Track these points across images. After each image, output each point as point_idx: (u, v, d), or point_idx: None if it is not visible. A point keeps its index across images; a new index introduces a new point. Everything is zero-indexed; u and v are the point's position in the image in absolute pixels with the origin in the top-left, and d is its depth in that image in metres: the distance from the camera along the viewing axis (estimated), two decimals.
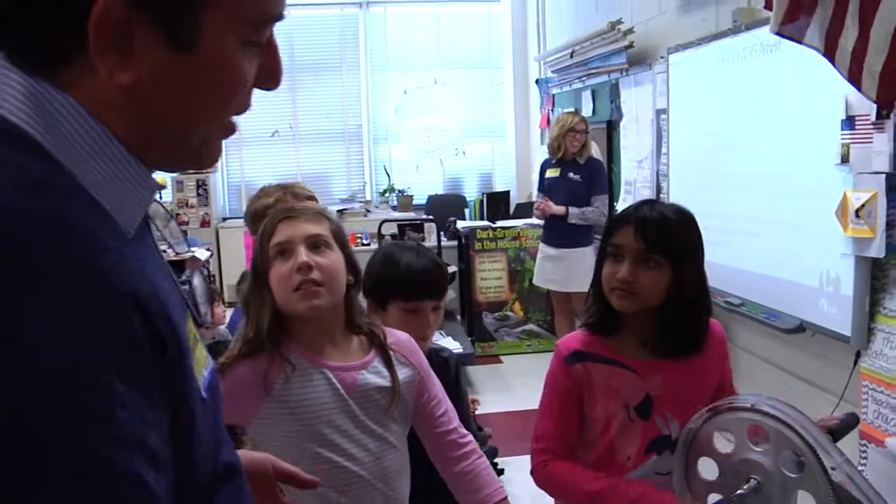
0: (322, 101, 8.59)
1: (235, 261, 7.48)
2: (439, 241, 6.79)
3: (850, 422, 1.73)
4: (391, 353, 1.69)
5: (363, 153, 8.76)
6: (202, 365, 0.73)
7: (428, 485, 1.77)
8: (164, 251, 4.56)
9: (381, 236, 6.57)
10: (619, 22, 5.42)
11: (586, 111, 6.19)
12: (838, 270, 3.19)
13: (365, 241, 7.50)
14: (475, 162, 8.86)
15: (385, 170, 8.64)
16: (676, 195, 4.62)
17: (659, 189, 5.06)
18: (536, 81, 7.95)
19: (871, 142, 2.93)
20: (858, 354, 3.09)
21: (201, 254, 5.13)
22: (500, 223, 6.88)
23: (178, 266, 4.58)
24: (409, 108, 8.58)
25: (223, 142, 0.74)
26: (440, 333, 4.88)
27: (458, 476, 1.73)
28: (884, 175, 2.86)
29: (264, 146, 8.50)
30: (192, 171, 7.15)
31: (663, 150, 4.92)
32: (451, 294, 5.93)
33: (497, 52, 8.73)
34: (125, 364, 0.56)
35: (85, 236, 0.59)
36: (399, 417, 1.69)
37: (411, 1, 8.50)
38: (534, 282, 5.94)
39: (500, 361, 6.48)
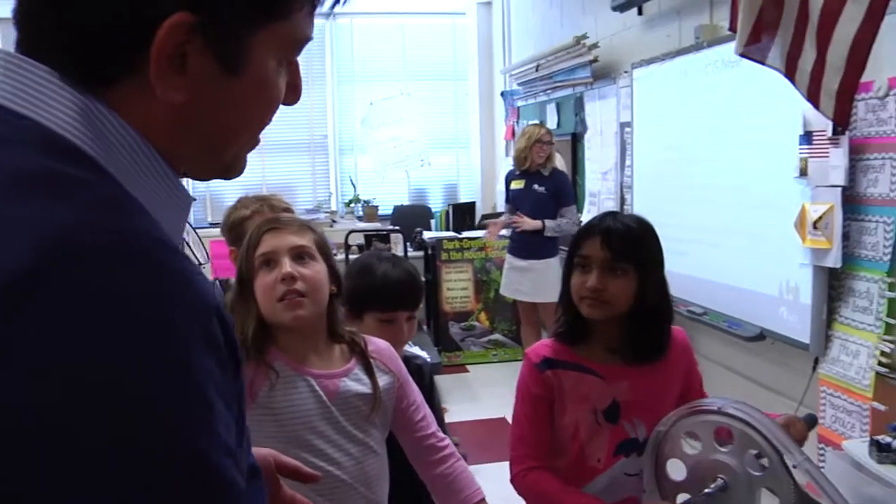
0: (288, 112, 8.17)
1: (202, 270, 7.43)
2: (406, 251, 6.83)
3: (811, 421, 1.83)
4: (371, 360, 1.74)
5: (329, 164, 8.76)
6: None
7: (403, 487, 1.82)
8: None
9: (348, 246, 6.60)
10: (585, 37, 5.52)
11: (551, 123, 6.27)
12: (797, 280, 3.29)
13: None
14: (440, 173, 8.90)
15: (351, 180, 8.66)
16: (640, 206, 4.71)
17: (623, 200, 5.14)
18: (502, 94, 8.04)
19: (827, 156, 3.04)
20: (817, 361, 3.20)
21: None
22: (465, 234, 6.95)
23: None
24: (375, 119, 8.60)
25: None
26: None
27: (438, 479, 1.78)
28: (840, 188, 2.97)
29: None
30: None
31: (627, 162, 5.01)
32: None
33: (462, 65, 8.81)
34: (215, 375, 0.58)
35: (174, 250, 0.61)
36: (379, 423, 1.73)
37: (378, 12, 8.54)
38: (501, 292, 5.99)
39: (467, 371, 6.53)
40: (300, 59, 0.75)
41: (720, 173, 3.90)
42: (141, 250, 0.58)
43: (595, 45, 5.40)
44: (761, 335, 3.58)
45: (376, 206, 8.51)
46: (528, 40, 7.19)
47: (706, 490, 1.55)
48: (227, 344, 0.62)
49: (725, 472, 1.56)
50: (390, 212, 8.57)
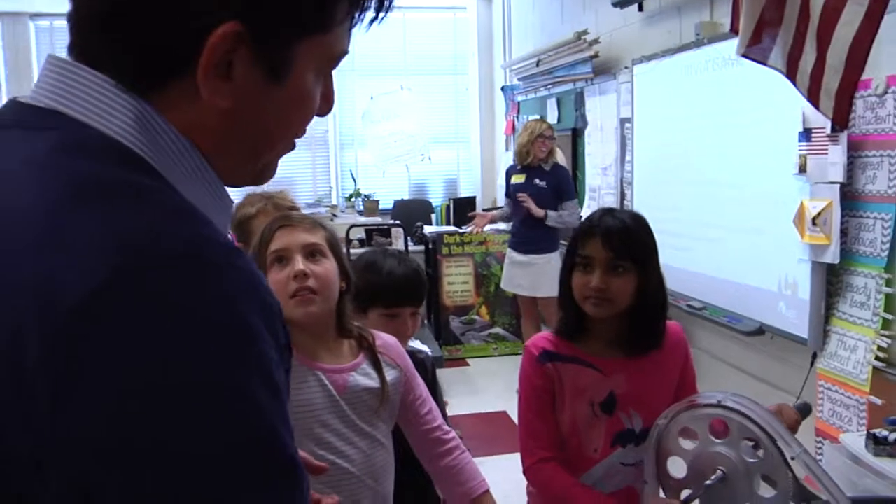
0: None
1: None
2: (406, 245, 6.86)
3: (805, 409, 1.87)
4: (379, 355, 1.77)
5: (329, 158, 8.78)
6: None
7: (406, 478, 1.85)
8: None
9: (349, 241, 6.62)
10: (585, 32, 5.54)
11: (552, 118, 6.27)
12: (796, 275, 3.32)
13: None
14: (441, 167, 8.92)
15: (351, 175, 8.68)
16: (640, 202, 4.73)
17: (623, 196, 5.17)
18: (502, 88, 8.06)
19: (826, 153, 3.07)
20: (815, 356, 3.23)
21: None
22: (466, 228, 6.98)
23: None
24: (375, 113, 8.62)
25: None
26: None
27: (444, 470, 1.82)
28: (838, 185, 3.01)
29: None
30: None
31: (627, 157, 5.03)
32: None
33: (463, 59, 8.82)
34: (276, 373, 0.61)
35: (240, 253, 0.64)
36: (385, 416, 1.77)
37: None
38: (502, 286, 6.02)
39: (467, 364, 6.57)
40: None
41: (720, 169, 3.92)
42: (215, 256, 0.61)
43: (596, 41, 5.41)
44: (760, 330, 3.62)
45: (377, 201, 8.52)
46: (529, 35, 7.21)
47: (706, 482, 1.59)
48: (285, 334, 0.65)
49: (724, 463, 1.60)
50: (391, 206, 8.58)
